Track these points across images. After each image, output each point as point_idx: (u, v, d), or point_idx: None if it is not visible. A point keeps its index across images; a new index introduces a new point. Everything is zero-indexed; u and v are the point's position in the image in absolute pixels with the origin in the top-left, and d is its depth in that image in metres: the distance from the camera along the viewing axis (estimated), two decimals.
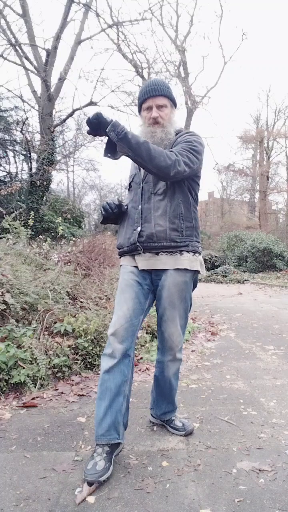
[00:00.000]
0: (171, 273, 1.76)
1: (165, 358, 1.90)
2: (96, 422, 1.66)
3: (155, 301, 1.89)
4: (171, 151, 1.70)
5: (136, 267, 1.82)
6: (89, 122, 1.54)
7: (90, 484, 1.53)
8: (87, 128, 1.60)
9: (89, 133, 1.60)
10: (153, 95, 1.78)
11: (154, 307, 1.94)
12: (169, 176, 1.66)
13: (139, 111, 1.88)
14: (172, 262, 1.75)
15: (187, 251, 1.77)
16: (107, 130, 1.53)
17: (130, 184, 1.95)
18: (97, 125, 1.54)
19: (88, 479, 1.54)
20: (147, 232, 1.74)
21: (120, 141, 1.54)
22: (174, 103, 1.87)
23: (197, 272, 1.85)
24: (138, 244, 1.76)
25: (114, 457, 1.69)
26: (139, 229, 1.77)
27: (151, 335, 3.72)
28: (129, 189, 1.96)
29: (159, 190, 1.78)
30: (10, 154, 11.70)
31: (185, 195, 1.79)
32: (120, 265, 1.93)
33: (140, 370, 3.03)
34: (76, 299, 3.72)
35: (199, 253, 1.84)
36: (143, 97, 1.81)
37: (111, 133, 1.53)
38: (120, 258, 1.95)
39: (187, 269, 1.77)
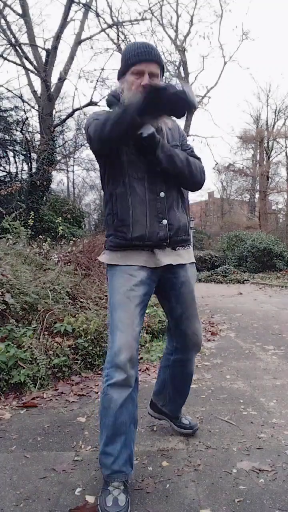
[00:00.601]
0: (188, 267, 1.68)
1: (189, 355, 1.77)
2: (108, 459, 1.44)
3: (163, 300, 1.74)
4: (199, 158, 1.69)
5: (149, 269, 1.56)
6: (143, 140, 1.43)
7: None
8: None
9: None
10: (148, 59, 1.52)
11: (152, 307, 1.90)
12: (199, 189, 1.69)
13: (123, 73, 1.57)
14: (187, 256, 1.68)
15: (190, 245, 1.74)
16: (157, 151, 1.49)
17: (133, 152, 1.54)
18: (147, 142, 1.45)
19: None
20: (176, 225, 1.58)
21: (170, 158, 1.52)
22: (163, 74, 1.63)
23: None
24: (168, 240, 1.57)
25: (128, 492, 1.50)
26: (165, 222, 1.55)
27: (151, 335, 3.72)
28: (134, 157, 1.54)
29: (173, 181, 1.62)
30: (10, 154, 11.71)
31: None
32: (117, 265, 1.56)
33: (140, 370, 3.03)
34: (76, 299, 3.72)
35: None
36: (134, 58, 1.52)
37: (157, 152, 1.49)
38: (117, 252, 1.57)
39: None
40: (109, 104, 1.62)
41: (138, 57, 1.52)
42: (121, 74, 1.60)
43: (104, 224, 1.69)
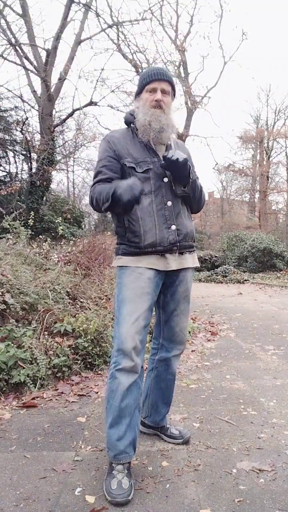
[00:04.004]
0: (189, 270, 1.83)
1: (171, 353, 1.86)
2: (113, 439, 1.57)
3: (160, 294, 1.80)
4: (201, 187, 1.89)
5: (155, 270, 1.69)
6: (175, 164, 1.64)
7: (120, 505, 1.44)
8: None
9: (163, 167, 1.69)
10: (160, 78, 1.72)
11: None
12: (197, 212, 1.92)
13: (139, 93, 1.79)
14: (191, 260, 1.83)
15: (194, 250, 1.88)
16: (191, 176, 1.71)
17: (145, 171, 1.70)
18: (181, 168, 1.66)
19: (118, 501, 1.44)
20: (184, 231, 1.74)
21: (193, 183, 1.74)
22: (174, 94, 1.83)
23: None
24: (178, 244, 1.71)
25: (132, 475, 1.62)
26: (174, 227, 1.70)
27: (151, 335, 3.71)
28: (140, 175, 1.69)
29: (180, 192, 1.77)
30: (10, 154, 11.69)
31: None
32: (127, 266, 1.68)
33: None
34: (76, 299, 3.72)
35: None
36: (149, 78, 1.73)
37: (190, 176, 1.70)
38: (129, 257, 1.69)
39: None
40: (127, 122, 1.82)
41: (151, 77, 1.73)
42: (137, 94, 1.81)
43: (115, 233, 1.84)
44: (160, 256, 1.70)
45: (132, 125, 1.79)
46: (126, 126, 1.82)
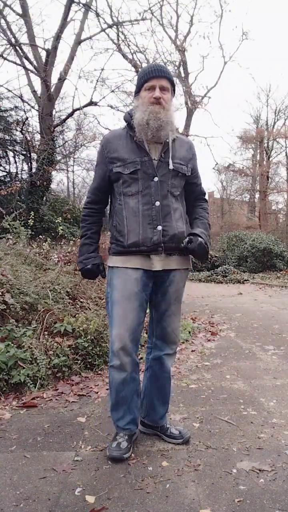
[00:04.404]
0: (180, 271, 1.83)
1: (163, 352, 1.88)
2: (114, 418, 1.82)
3: (152, 293, 1.84)
4: (204, 201, 1.96)
5: (143, 270, 1.74)
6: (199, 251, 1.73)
7: (115, 460, 1.69)
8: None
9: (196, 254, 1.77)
10: (158, 75, 1.71)
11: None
12: None
13: (138, 91, 1.79)
14: (182, 262, 1.82)
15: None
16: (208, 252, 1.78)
17: (133, 171, 1.73)
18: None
19: (114, 455, 1.70)
20: (171, 232, 1.73)
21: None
22: (174, 90, 1.81)
23: None
24: (162, 244, 1.72)
25: (133, 444, 1.83)
26: (160, 228, 1.71)
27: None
28: (127, 176, 1.74)
29: (175, 191, 1.78)
30: (10, 154, 11.69)
31: (184, 200, 1.91)
32: (115, 267, 1.77)
33: (140, 370, 3.03)
34: (76, 299, 3.72)
35: None
36: (147, 76, 1.72)
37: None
38: (117, 256, 1.77)
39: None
40: (126, 121, 1.81)
41: (149, 75, 1.72)
42: (136, 93, 1.81)
43: (110, 233, 1.89)
44: (145, 256, 1.74)
45: (128, 124, 1.78)
46: (125, 125, 1.83)
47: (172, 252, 1.77)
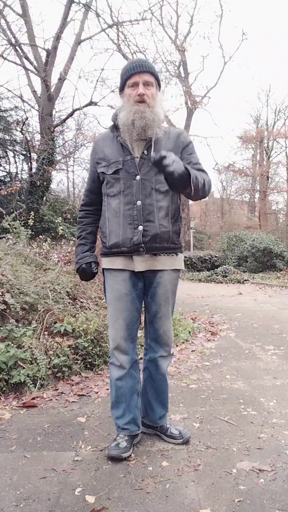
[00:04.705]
0: (168, 272, 1.78)
1: (158, 354, 1.86)
2: (115, 416, 1.83)
3: (143, 295, 1.84)
4: (204, 171, 1.73)
5: (130, 270, 1.74)
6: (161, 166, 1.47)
7: (113, 459, 1.70)
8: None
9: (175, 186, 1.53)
10: (140, 70, 1.67)
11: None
12: (204, 197, 1.76)
13: (122, 89, 1.76)
14: (170, 262, 1.77)
15: (181, 252, 1.84)
16: (192, 182, 1.50)
17: (115, 171, 1.72)
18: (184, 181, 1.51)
19: (112, 454, 1.71)
20: (152, 232, 1.68)
21: (195, 182, 1.54)
22: (158, 83, 1.76)
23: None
24: (142, 245, 1.68)
25: (134, 445, 1.83)
26: (141, 228, 1.68)
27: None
28: (109, 176, 1.73)
29: (161, 188, 1.70)
30: (10, 154, 11.70)
31: (178, 196, 1.82)
32: (106, 269, 1.80)
33: (140, 370, 3.03)
34: (76, 299, 3.72)
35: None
36: (128, 73, 1.68)
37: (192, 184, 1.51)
38: (104, 258, 1.80)
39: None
40: (112, 121, 1.79)
41: (131, 71, 1.68)
42: (120, 90, 1.77)
43: None
44: (128, 257, 1.72)
45: (114, 124, 1.76)
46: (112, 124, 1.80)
47: (158, 252, 1.73)
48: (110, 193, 1.75)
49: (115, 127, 1.76)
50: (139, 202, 1.68)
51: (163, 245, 1.72)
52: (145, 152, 1.70)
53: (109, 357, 1.89)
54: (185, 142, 1.78)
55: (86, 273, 1.84)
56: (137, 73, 1.67)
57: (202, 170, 1.75)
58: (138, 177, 1.69)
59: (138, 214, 1.68)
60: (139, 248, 1.69)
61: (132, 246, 1.69)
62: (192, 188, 1.51)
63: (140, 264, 1.72)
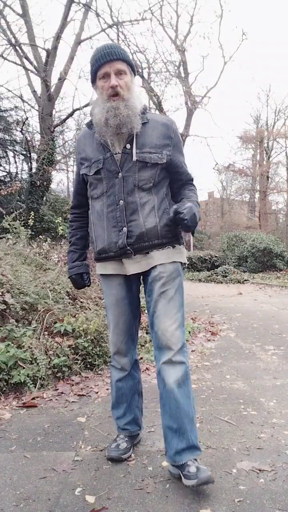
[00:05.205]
0: (164, 265, 1.61)
1: (160, 362, 1.58)
2: (115, 417, 1.83)
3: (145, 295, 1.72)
4: (194, 186, 1.71)
5: (123, 275, 1.65)
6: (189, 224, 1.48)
7: (113, 461, 1.70)
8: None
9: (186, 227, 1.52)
10: (109, 59, 1.49)
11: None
12: None
13: (93, 81, 1.59)
14: (165, 257, 1.61)
15: (178, 244, 1.67)
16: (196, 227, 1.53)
17: (96, 171, 1.61)
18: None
19: (112, 455, 1.70)
20: (137, 232, 1.55)
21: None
22: (133, 70, 1.59)
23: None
24: (128, 247, 1.56)
25: (134, 446, 1.84)
26: (125, 229, 1.55)
27: (148, 334, 3.71)
28: (92, 177, 1.63)
29: (144, 185, 1.57)
30: (10, 154, 11.68)
31: (167, 187, 1.67)
32: (100, 274, 1.72)
33: (140, 370, 3.03)
34: (76, 299, 3.72)
35: (183, 243, 1.72)
36: (98, 63, 1.52)
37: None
38: (97, 263, 1.71)
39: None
40: (91, 115, 1.66)
41: (99, 61, 1.51)
42: (92, 83, 1.61)
43: None
44: (118, 261, 1.63)
45: (90, 120, 1.63)
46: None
47: (149, 250, 1.59)
48: (93, 195, 1.65)
49: (92, 123, 1.63)
50: (121, 202, 1.56)
51: (152, 242, 1.58)
52: (128, 146, 1.56)
53: (109, 357, 1.88)
54: (175, 137, 1.65)
55: (77, 283, 1.81)
56: (106, 62, 1.50)
57: (193, 185, 1.73)
58: (120, 175, 1.56)
59: (121, 215, 1.56)
60: (126, 251, 1.57)
61: (118, 250, 1.58)
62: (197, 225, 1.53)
63: (132, 266, 1.61)
